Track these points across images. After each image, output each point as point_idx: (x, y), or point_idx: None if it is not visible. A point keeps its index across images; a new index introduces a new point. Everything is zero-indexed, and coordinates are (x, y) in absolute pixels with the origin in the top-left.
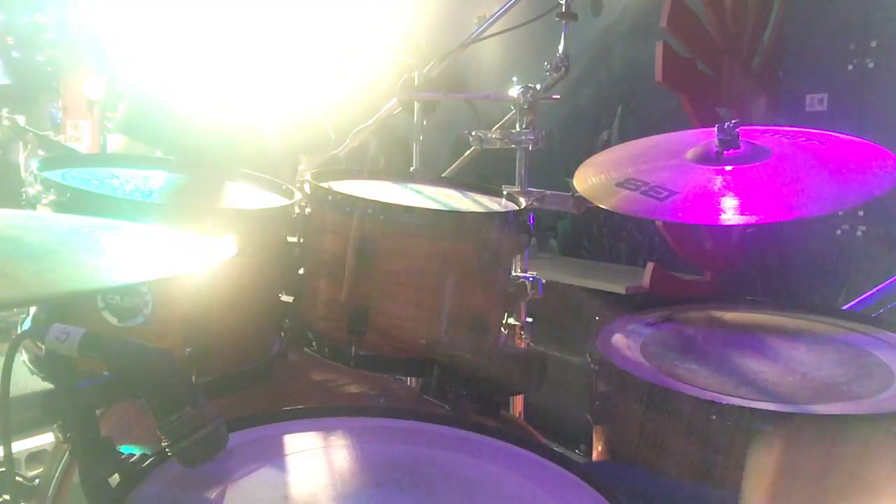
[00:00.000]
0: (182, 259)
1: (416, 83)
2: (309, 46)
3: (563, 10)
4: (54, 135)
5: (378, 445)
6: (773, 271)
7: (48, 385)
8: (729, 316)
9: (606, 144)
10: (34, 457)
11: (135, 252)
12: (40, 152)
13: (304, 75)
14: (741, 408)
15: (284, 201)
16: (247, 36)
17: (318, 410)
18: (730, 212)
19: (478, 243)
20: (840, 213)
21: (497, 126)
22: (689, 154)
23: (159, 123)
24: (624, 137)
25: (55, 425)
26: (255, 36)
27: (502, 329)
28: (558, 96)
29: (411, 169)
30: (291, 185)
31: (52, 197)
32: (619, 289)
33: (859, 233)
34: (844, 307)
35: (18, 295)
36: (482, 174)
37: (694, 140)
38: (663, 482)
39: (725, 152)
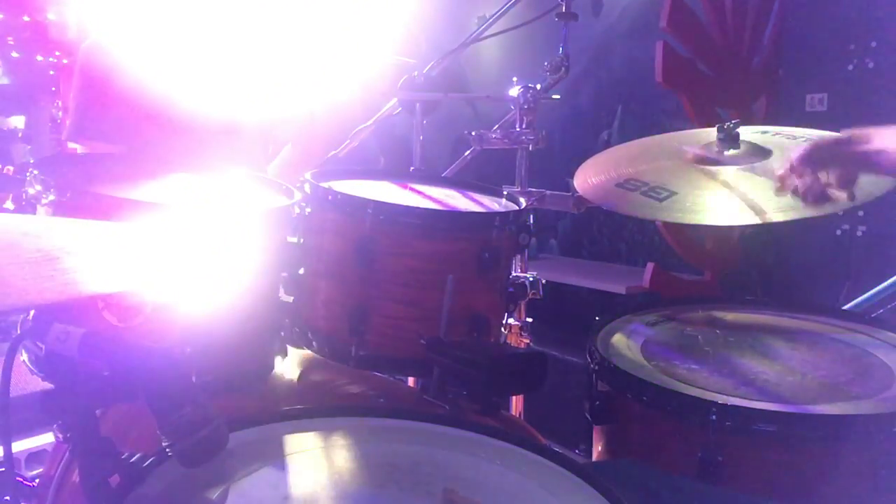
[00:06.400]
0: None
1: (416, 83)
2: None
3: (563, 10)
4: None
5: (378, 445)
6: (773, 271)
7: (48, 385)
8: (729, 316)
9: (606, 144)
10: (34, 457)
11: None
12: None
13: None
14: (741, 408)
15: (284, 201)
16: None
17: (318, 410)
18: (729, 212)
19: (478, 243)
20: (840, 213)
21: (497, 126)
22: (689, 154)
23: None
24: (624, 137)
25: (55, 425)
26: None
27: (502, 329)
28: (558, 96)
29: (411, 169)
30: (292, 186)
31: (52, 197)
32: (619, 289)
33: (859, 233)
34: (844, 307)
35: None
36: (482, 174)
37: (694, 140)
38: (663, 482)
39: (725, 152)
